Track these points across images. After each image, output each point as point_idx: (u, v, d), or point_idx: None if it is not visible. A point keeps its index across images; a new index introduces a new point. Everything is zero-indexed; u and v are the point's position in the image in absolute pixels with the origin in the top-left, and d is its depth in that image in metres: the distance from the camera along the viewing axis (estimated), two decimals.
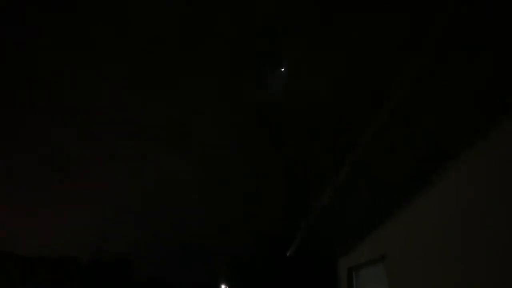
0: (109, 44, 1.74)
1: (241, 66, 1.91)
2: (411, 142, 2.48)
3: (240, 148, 2.56)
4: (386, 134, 2.44)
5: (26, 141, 2.46)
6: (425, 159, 2.60)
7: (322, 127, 2.49)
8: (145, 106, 2.18)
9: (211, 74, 1.96)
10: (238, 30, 1.69)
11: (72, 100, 2.12)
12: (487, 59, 1.82)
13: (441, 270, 2.44)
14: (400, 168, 2.73)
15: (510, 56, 1.77)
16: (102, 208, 3.26)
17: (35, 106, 2.14)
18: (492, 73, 1.88)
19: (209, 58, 1.86)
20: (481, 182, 2.19)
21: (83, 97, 2.11)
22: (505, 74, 1.85)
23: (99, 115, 2.23)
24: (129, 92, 2.06)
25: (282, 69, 2.02)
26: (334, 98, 2.19)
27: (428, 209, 2.71)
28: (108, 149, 2.50)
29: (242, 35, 1.72)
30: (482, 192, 2.16)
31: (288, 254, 4.86)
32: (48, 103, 2.11)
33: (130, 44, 1.77)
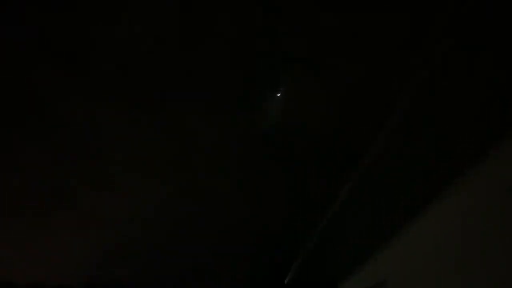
0: (103, 66, 1.74)
1: (238, 87, 1.93)
2: (411, 164, 2.48)
3: (237, 173, 2.51)
4: (385, 156, 2.44)
5: (20, 171, 2.43)
6: (424, 181, 2.59)
7: (320, 151, 2.50)
8: (142, 135, 2.15)
9: (208, 102, 1.99)
10: (236, 47, 1.72)
11: (67, 130, 2.09)
12: (487, 64, 1.81)
13: None
14: (400, 190, 2.73)
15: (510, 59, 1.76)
16: (100, 236, 3.20)
17: (28, 134, 2.11)
18: (494, 84, 1.87)
19: (204, 85, 1.89)
20: (482, 203, 2.17)
21: (78, 126, 2.08)
22: (506, 81, 1.84)
23: (96, 145, 2.19)
24: (126, 120, 2.04)
25: (281, 90, 2.03)
26: (333, 117, 2.21)
27: (428, 232, 2.68)
28: (105, 178, 2.46)
29: (241, 52, 1.75)
30: (484, 213, 2.13)
31: (286, 282, 4.83)
32: (42, 131, 2.09)
33: (127, 66, 1.79)
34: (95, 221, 3.51)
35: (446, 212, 2.49)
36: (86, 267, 4.27)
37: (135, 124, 2.49)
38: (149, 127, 2.53)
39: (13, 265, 4.01)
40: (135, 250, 4.07)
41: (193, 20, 1.77)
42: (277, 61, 1.99)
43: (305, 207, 3.43)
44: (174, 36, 1.85)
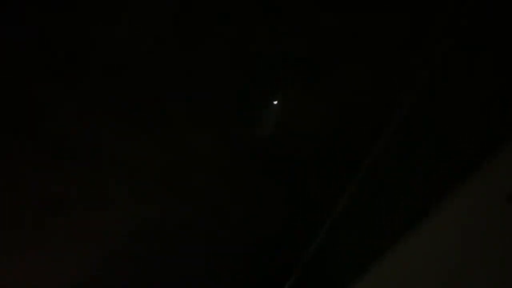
0: (102, 67, 1.72)
1: (237, 88, 1.89)
2: (412, 166, 2.45)
3: (236, 176, 2.43)
4: (387, 158, 2.42)
5: (14, 179, 2.34)
6: (426, 183, 2.54)
7: (320, 153, 2.43)
8: (137, 145, 2.10)
9: (207, 103, 1.95)
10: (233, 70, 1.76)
11: (64, 135, 2.04)
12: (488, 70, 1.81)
13: None
14: (402, 193, 2.68)
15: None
16: (94, 249, 3.10)
17: (24, 141, 2.05)
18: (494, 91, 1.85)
19: (203, 85, 1.85)
20: (482, 210, 2.12)
21: (73, 136, 2.04)
22: (506, 81, 1.82)
23: (93, 149, 2.12)
24: (121, 132, 2.01)
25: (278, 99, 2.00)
26: (333, 118, 2.16)
27: (425, 243, 2.63)
28: (102, 185, 2.36)
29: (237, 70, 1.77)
30: (484, 220, 2.09)
31: None
32: (38, 139, 2.03)
33: (123, 76, 1.78)
34: (93, 227, 3.45)
35: (447, 216, 2.46)
36: (83, 274, 4.19)
37: (133, 125, 2.47)
38: (146, 132, 2.49)
39: (4, 276, 3.92)
40: (134, 254, 4.02)
41: (193, 20, 1.77)
42: (277, 61, 1.99)
43: (305, 211, 3.39)
44: (174, 36, 1.85)
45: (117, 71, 2.07)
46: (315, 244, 3.63)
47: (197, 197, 3.13)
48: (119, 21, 1.79)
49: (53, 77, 2.07)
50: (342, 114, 2.33)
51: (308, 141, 2.58)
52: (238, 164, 2.84)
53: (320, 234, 3.50)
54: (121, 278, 4.39)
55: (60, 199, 3.03)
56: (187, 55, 1.95)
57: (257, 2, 1.69)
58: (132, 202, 3.15)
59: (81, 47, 1.92)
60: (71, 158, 2.66)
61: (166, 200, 3.14)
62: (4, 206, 3.07)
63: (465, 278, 2.22)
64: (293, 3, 1.68)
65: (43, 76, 2.05)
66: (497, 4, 1.58)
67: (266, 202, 3.30)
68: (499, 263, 1.96)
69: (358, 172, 2.69)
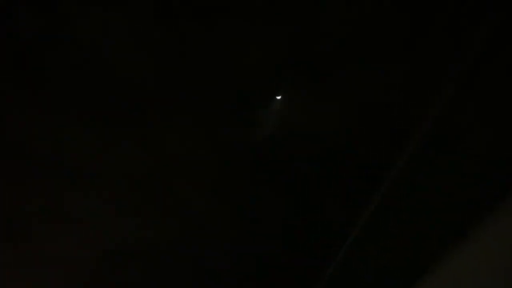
0: (65, 80, 1.58)
1: (230, 100, 1.73)
2: (442, 181, 2.10)
3: (230, 194, 2.14)
4: (408, 176, 2.08)
5: None
6: (461, 202, 2.14)
7: (327, 168, 2.09)
8: (108, 153, 1.86)
9: (198, 107, 1.75)
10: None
11: (23, 147, 1.82)
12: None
13: None
14: (429, 218, 2.29)
15: None
16: (65, 277, 2.72)
17: None
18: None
19: (195, 88, 1.68)
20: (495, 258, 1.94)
21: (32, 143, 1.80)
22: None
23: (59, 162, 1.84)
24: (93, 135, 1.77)
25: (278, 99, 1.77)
26: (340, 123, 1.84)
27: (464, 268, 2.27)
28: (65, 207, 2.08)
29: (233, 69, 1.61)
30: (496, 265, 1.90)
31: None
32: None
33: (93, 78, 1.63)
34: (61, 251, 2.97)
35: (489, 238, 2.10)
36: None
37: (105, 139, 2.19)
38: (122, 142, 2.22)
39: None
40: (112, 280, 3.40)
41: (193, 20, 1.76)
42: (277, 63, 1.97)
43: (310, 237, 2.91)
44: (174, 36, 1.84)
45: (82, 72, 1.90)
46: (330, 269, 3.11)
47: (183, 215, 2.73)
48: (87, 15, 1.77)
49: (9, 77, 1.89)
50: (352, 119, 2.14)
51: (312, 153, 2.35)
52: (232, 178, 2.55)
53: (336, 259, 2.97)
54: None
55: (19, 220, 2.62)
56: (187, 54, 1.94)
57: (257, 1, 1.68)
58: (109, 217, 2.75)
59: (38, 46, 1.77)
60: (31, 171, 2.32)
61: (148, 214, 2.75)
62: None
63: None
64: (293, 3, 1.68)
65: None
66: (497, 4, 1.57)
67: (264, 224, 2.88)
68: None
69: (380, 184, 2.34)
